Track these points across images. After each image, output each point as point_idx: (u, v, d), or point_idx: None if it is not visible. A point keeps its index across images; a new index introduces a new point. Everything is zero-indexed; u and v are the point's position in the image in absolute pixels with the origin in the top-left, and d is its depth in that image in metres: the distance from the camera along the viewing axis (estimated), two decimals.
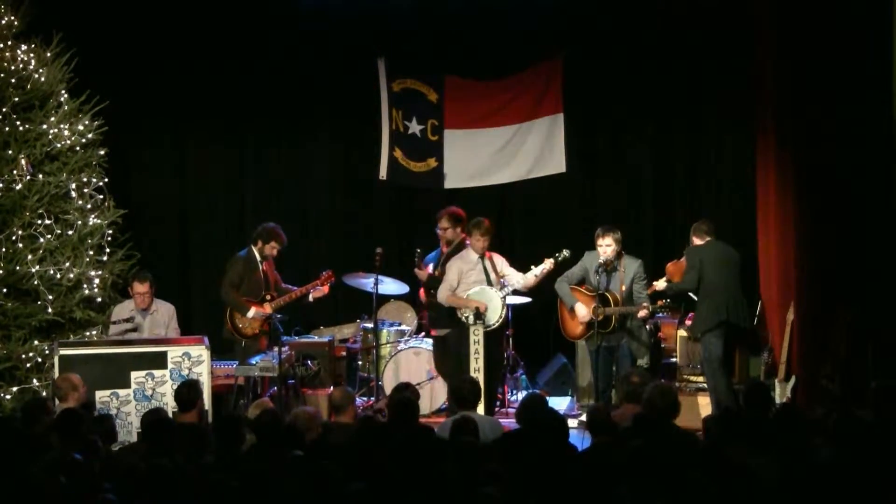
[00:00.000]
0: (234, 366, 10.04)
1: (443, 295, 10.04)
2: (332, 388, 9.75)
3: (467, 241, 10.23)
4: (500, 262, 10.23)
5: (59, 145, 10.40)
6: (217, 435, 6.83)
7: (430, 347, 10.81)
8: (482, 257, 10.10)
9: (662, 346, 10.87)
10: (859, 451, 6.07)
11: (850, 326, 9.97)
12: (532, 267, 10.04)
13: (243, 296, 10.19)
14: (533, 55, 11.82)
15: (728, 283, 9.78)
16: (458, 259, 10.14)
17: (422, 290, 10.79)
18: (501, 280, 10.11)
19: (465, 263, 10.07)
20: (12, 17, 10.46)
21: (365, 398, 10.97)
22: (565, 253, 10.00)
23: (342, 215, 12.74)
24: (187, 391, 7.85)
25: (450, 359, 10.19)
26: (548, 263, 9.97)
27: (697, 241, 9.90)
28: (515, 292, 10.26)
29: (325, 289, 10.42)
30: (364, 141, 12.20)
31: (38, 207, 10.20)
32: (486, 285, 10.05)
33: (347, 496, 5.53)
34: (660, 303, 9.78)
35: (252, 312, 10.12)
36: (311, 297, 10.43)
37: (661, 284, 10.02)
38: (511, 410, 10.41)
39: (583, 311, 9.85)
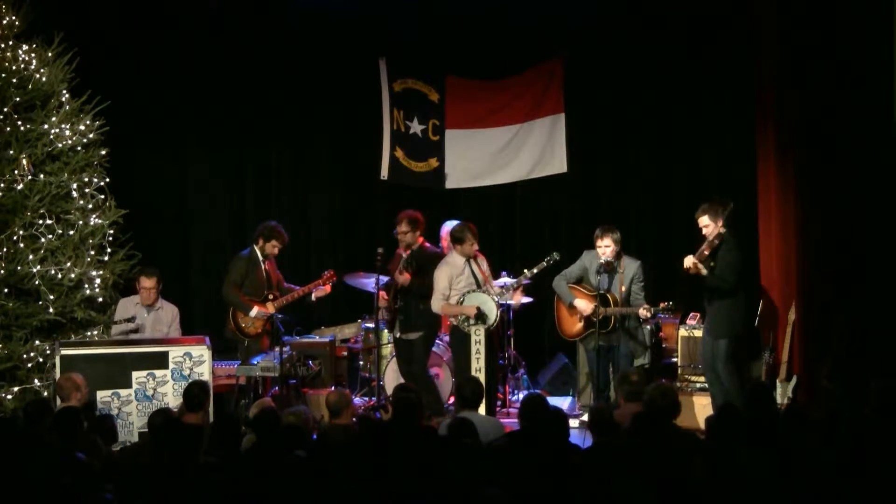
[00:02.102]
0: (236, 366, 10.06)
1: (437, 305, 10.01)
2: (332, 388, 9.76)
3: (427, 245, 10.20)
4: (484, 263, 10.28)
5: (60, 145, 10.40)
6: (214, 435, 6.84)
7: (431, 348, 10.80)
8: (468, 261, 10.09)
9: (663, 346, 10.87)
10: (859, 451, 6.08)
11: (849, 326, 9.98)
12: (525, 271, 10.14)
13: (245, 295, 10.20)
14: (534, 55, 11.82)
15: (747, 283, 9.80)
16: (447, 265, 10.09)
17: (383, 293, 10.45)
18: (493, 282, 10.17)
19: (454, 269, 10.05)
20: (13, 17, 10.46)
21: (366, 398, 10.97)
22: (555, 255, 10.05)
23: (343, 215, 12.74)
24: (198, 391, 7.86)
25: (415, 363, 10.20)
26: (528, 274, 10.09)
27: (721, 226, 9.62)
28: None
29: (328, 288, 10.43)
30: (365, 141, 12.19)
31: (40, 207, 10.20)
32: (476, 288, 10.05)
33: (346, 496, 5.54)
34: (662, 304, 9.76)
35: (254, 312, 10.13)
36: (313, 297, 10.44)
37: (690, 261, 9.54)
38: (513, 410, 10.43)
39: (583, 303, 9.85)
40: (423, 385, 10.00)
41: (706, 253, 9.46)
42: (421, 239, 10.29)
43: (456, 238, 10.08)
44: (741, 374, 9.74)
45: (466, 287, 10.01)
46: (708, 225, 9.61)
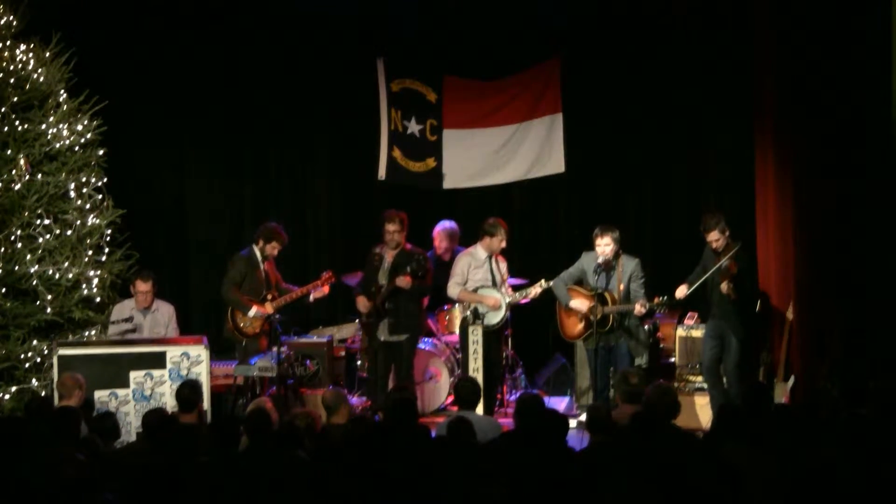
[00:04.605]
0: (234, 366, 10.05)
1: (454, 290, 10.13)
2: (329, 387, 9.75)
3: (408, 246, 10.17)
4: (504, 266, 10.32)
5: (57, 145, 10.39)
6: (212, 435, 6.83)
7: (430, 347, 10.81)
8: (490, 257, 10.15)
9: (661, 346, 10.86)
10: (858, 451, 6.07)
11: (847, 326, 9.98)
12: (542, 281, 10.24)
13: (244, 295, 10.19)
14: (532, 55, 11.82)
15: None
16: (468, 255, 10.22)
17: (361, 298, 10.23)
18: (507, 285, 10.26)
19: (475, 260, 10.17)
20: (11, 17, 10.45)
21: (364, 398, 10.95)
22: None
23: (341, 215, 12.73)
24: (189, 392, 7.86)
25: (403, 364, 10.16)
26: (536, 289, 10.22)
27: (728, 236, 9.70)
28: None
29: (326, 289, 10.41)
30: (363, 141, 12.19)
31: (37, 207, 10.19)
32: (490, 285, 10.09)
33: (345, 497, 5.53)
34: (657, 299, 9.76)
35: (253, 311, 10.11)
36: (311, 298, 10.42)
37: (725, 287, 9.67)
38: (510, 410, 10.43)
39: (578, 302, 9.86)
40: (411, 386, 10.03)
41: (734, 270, 9.47)
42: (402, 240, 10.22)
43: (486, 231, 10.14)
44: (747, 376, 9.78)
45: (482, 282, 10.09)
46: (718, 239, 9.63)
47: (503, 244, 10.22)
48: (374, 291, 10.13)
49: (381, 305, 10.11)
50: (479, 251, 10.21)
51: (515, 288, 10.53)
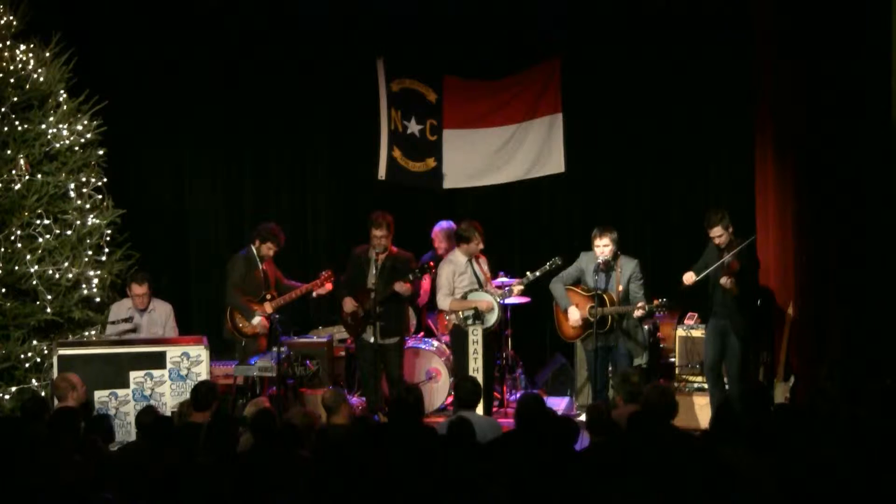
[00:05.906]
0: (234, 366, 10.05)
1: (444, 302, 10.04)
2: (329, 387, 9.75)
3: (394, 249, 10.14)
4: (485, 265, 10.29)
5: (57, 145, 10.39)
6: (211, 435, 6.82)
7: (430, 347, 10.82)
8: (470, 260, 10.10)
9: (661, 346, 10.86)
10: (857, 451, 6.07)
11: (847, 326, 9.98)
12: (528, 273, 10.20)
13: (244, 295, 10.18)
14: (532, 55, 11.82)
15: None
16: (449, 263, 10.12)
17: (349, 300, 10.17)
18: (492, 281, 10.21)
19: (457, 266, 10.07)
20: (11, 17, 10.45)
21: (363, 398, 10.95)
22: (557, 260, 10.11)
23: (341, 215, 12.73)
24: (206, 391, 7.86)
25: (395, 367, 10.14)
26: (518, 286, 10.23)
27: (731, 232, 9.68)
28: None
29: (329, 286, 10.40)
30: (363, 141, 12.19)
31: (37, 207, 10.19)
32: (477, 288, 10.07)
33: (347, 497, 5.53)
34: (655, 301, 9.75)
35: (256, 320, 10.10)
36: (314, 294, 10.42)
37: (690, 279, 9.65)
38: (510, 410, 10.43)
39: (575, 315, 9.84)
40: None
41: (735, 267, 9.45)
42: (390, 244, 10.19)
43: (462, 236, 10.09)
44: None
45: (468, 286, 10.04)
46: (721, 235, 9.60)
47: (480, 246, 10.14)
48: (365, 294, 10.06)
49: (373, 309, 10.06)
50: (459, 257, 10.15)
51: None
